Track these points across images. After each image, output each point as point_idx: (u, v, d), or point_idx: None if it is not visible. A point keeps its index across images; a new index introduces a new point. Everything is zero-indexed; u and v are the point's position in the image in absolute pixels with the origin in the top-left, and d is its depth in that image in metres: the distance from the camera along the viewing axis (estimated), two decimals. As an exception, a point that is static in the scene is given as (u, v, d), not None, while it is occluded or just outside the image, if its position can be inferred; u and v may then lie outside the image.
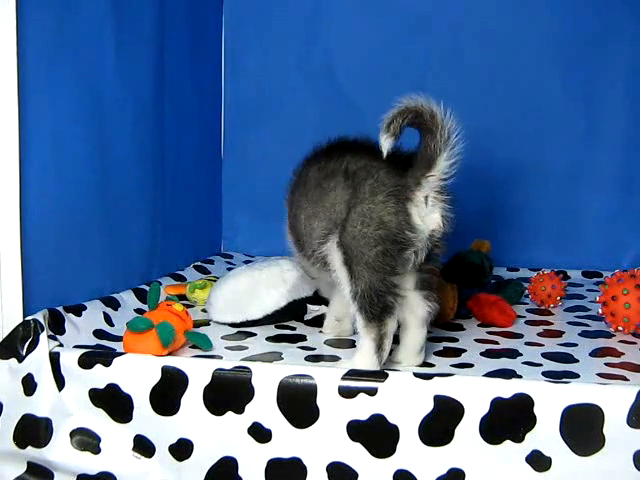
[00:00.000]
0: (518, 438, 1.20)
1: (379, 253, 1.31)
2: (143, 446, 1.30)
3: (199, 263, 2.17)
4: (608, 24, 2.25)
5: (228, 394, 1.26)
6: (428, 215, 1.32)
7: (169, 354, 1.37)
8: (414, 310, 1.39)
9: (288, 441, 1.25)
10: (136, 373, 1.29)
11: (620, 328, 1.61)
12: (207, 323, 1.66)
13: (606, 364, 1.41)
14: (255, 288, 1.65)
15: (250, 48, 2.42)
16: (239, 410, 1.25)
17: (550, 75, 2.28)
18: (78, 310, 1.51)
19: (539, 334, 1.63)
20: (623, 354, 1.48)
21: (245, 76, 2.44)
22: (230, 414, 1.26)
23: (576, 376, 1.33)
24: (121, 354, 1.32)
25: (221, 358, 1.40)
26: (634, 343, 1.56)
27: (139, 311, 1.65)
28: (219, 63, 2.42)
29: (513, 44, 2.29)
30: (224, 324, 1.65)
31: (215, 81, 2.41)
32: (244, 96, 2.44)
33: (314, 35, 2.39)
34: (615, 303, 1.61)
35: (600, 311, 1.66)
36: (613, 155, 2.28)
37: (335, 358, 1.42)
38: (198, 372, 1.27)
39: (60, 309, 1.45)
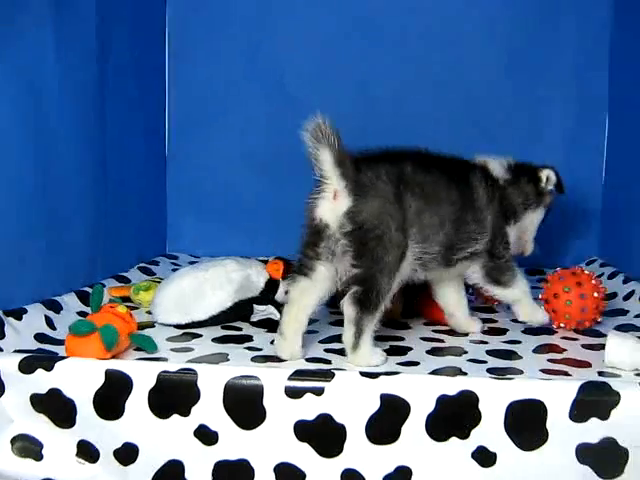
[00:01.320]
0: (464, 434, 1.21)
1: (302, 235, 1.46)
2: (87, 451, 1.27)
3: (144, 264, 2.15)
4: (552, 27, 2.30)
5: (173, 397, 1.24)
6: (334, 210, 1.40)
7: (113, 357, 1.35)
8: (345, 308, 1.40)
9: (235, 443, 1.24)
10: (79, 377, 1.26)
11: (562, 325, 1.64)
12: (152, 325, 1.64)
13: (549, 360, 1.44)
14: (200, 289, 1.63)
15: (195, 47, 2.40)
16: (185, 413, 1.24)
17: (495, 74, 2.32)
18: (19, 314, 1.47)
19: (484, 332, 1.65)
20: (565, 350, 1.51)
21: (190, 76, 2.41)
22: (176, 417, 1.24)
23: (520, 372, 1.35)
24: (63, 358, 1.29)
25: (166, 360, 1.38)
26: (576, 339, 1.59)
27: (82, 314, 1.62)
28: (163, 63, 2.40)
29: (459, 43, 2.32)
30: (169, 326, 1.63)
31: (159, 81, 2.38)
32: (189, 96, 2.41)
33: (261, 35, 2.38)
34: (557, 300, 1.63)
35: (542, 308, 1.68)
36: (555, 157, 2.32)
37: (280, 360, 1.42)
38: (143, 375, 1.25)
39: (0, 313, 1.42)
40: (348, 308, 1.39)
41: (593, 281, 1.63)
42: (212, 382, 1.23)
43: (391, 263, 1.40)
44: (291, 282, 1.45)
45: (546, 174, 1.69)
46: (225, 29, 2.39)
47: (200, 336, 1.57)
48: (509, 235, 1.63)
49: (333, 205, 1.40)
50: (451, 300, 1.65)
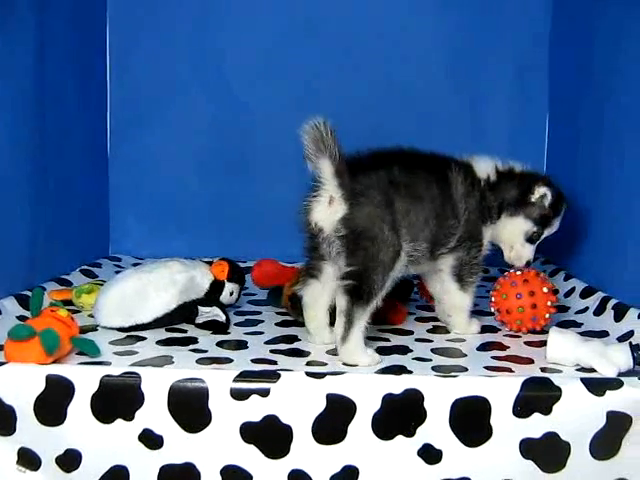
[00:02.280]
0: (409, 433, 1.22)
1: (303, 239, 1.54)
2: (28, 459, 1.25)
3: (86, 267, 2.10)
4: (494, 26, 2.35)
5: (117, 401, 1.23)
6: (330, 215, 1.45)
7: (54, 362, 1.32)
8: (337, 299, 1.46)
9: (180, 446, 1.23)
10: (19, 383, 1.24)
11: (517, 322, 1.62)
12: (94, 329, 1.61)
13: (492, 357, 1.46)
14: (144, 291, 1.61)
15: (137, 46, 2.36)
16: (129, 417, 1.22)
17: (439, 79, 2.35)
18: (-45, 319, 1.44)
19: (429, 330, 1.66)
20: (508, 347, 1.54)
21: (132, 75, 2.37)
22: (120, 421, 1.22)
23: (464, 370, 1.36)
24: (2, 364, 1.26)
25: (109, 364, 1.36)
26: (518, 337, 1.62)
27: (22, 318, 1.58)
28: (104, 62, 2.35)
29: (403, 44, 2.33)
30: (112, 329, 1.60)
31: (100, 81, 2.34)
32: (131, 96, 2.37)
33: (204, 35, 2.36)
34: (509, 316, 1.64)
35: (494, 311, 1.68)
36: (496, 155, 2.36)
37: (228, 360, 1.41)
38: (85, 379, 1.23)
39: None
40: (340, 299, 1.44)
41: (539, 278, 1.64)
42: (156, 385, 1.22)
43: (386, 262, 1.45)
44: (302, 286, 1.54)
45: (542, 191, 1.66)
46: (168, 28, 2.36)
47: (144, 339, 1.55)
48: (484, 236, 1.65)
49: (328, 210, 1.46)
50: (439, 287, 1.68)
